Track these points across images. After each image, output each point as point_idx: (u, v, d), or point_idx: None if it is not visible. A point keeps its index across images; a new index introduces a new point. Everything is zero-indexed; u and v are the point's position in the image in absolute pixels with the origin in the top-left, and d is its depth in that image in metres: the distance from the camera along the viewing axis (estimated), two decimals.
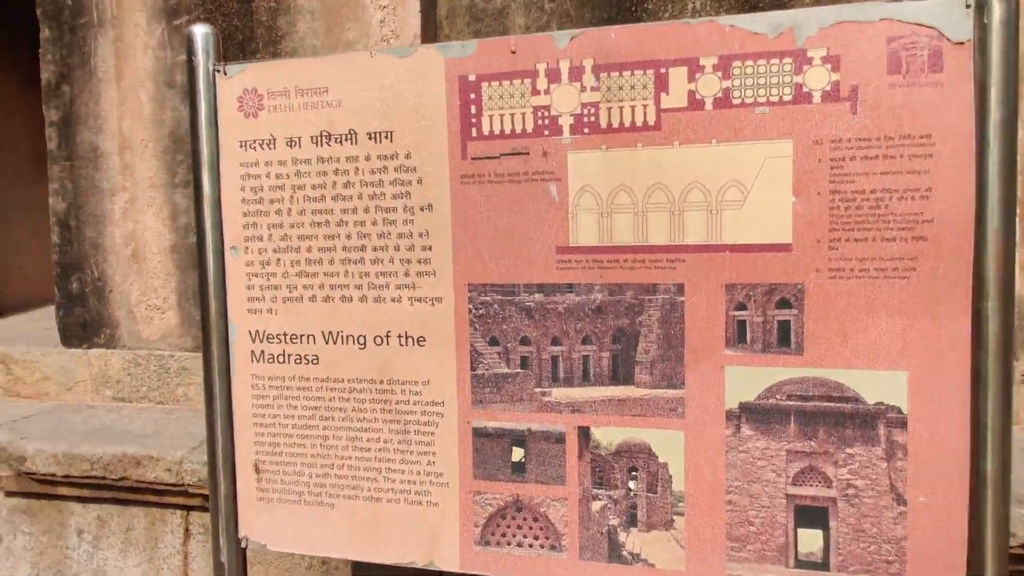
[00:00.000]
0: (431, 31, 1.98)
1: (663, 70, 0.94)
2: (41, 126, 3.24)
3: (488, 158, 1.02)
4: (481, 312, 1.04)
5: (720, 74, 0.92)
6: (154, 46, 2.10)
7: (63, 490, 1.88)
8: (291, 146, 1.11)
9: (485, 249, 1.03)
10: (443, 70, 1.03)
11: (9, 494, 1.98)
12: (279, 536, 1.15)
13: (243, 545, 1.18)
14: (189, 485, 1.71)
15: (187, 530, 1.86)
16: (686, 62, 0.93)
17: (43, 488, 1.90)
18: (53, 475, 1.82)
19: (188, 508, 1.83)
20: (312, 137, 1.10)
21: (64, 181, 2.19)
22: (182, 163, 2.08)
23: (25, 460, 1.83)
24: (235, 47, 2.02)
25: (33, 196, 3.16)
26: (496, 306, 1.03)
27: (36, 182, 3.18)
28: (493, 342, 1.04)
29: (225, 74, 1.14)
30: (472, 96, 1.02)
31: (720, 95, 0.93)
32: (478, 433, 1.05)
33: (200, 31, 1.14)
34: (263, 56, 1.99)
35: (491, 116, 1.01)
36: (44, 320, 2.85)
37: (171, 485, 1.73)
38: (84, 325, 2.20)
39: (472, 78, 1.02)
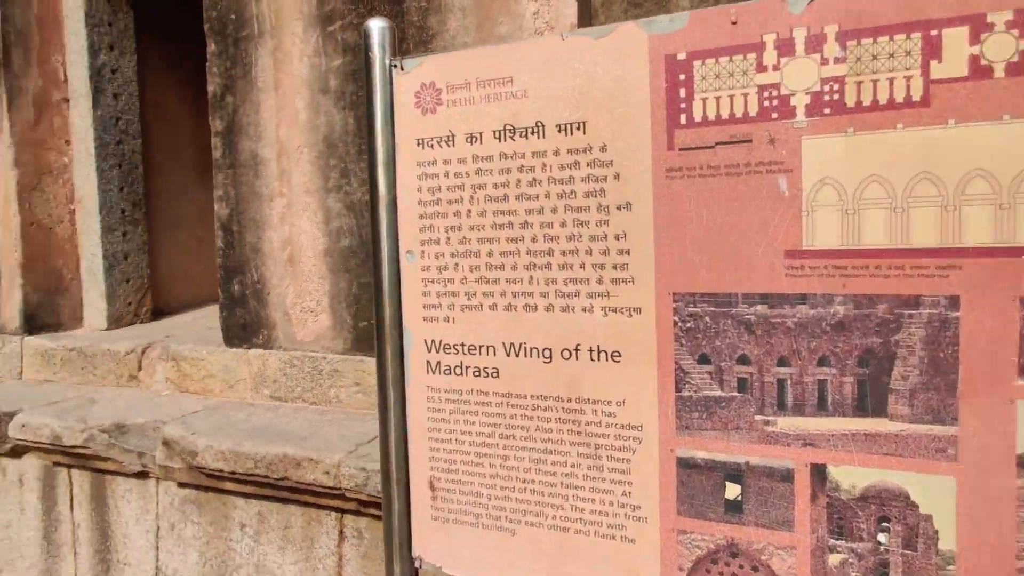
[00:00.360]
0: (586, 20, 1.86)
1: (934, 32, 0.76)
2: (203, 137, 3.47)
3: (700, 148, 0.88)
4: (689, 325, 0.90)
5: (1016, 32, 0.73)
6: (309, 54, 2.14)
7: (228, 485, 1.95)
8: (471, 142, 1.03)
9: (694, 253, 0.89)
10: (646, 49, 0.91)
11: (181, 484, 2.09)
12: (455, 559, 1.08)
13: (416, 565, 1.12)
14: (346, 489, 1.70)
15: (341, 532, 1.87)
16: (967, 20, 0.75)
17: (211, 482, 1.98)
18: (220, 471, 1.89)
19: (343, 511, 1.84)
20: (494, 132, 1.01)
21: (227, 188, 2.29)
22: (335, 168, 2.11)
23: (196, 455, 1.91)
24: None
25: (196, 203, 3.39)
26: (707, 319, 0.89)
27: (199, 190, 3.41)
28: (703, 360, 0.90)
29: (402, 69, 1.08)
30: (681, 77, 0.89)
31: (1016, 59, 0.74)
32: (684, 464, 0.92)
33: (376, 25, 1.09)
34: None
35: (704, 99, 0.88)
36: (205, 320, 3.03)
37: (329, 488, 1.73)
38: (244, 326, 2.29)
39: (681, 56, 0.89)
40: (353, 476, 1.68)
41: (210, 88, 2.30)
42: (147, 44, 3.05)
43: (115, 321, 2.90)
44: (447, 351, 1.06)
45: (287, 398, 2.21)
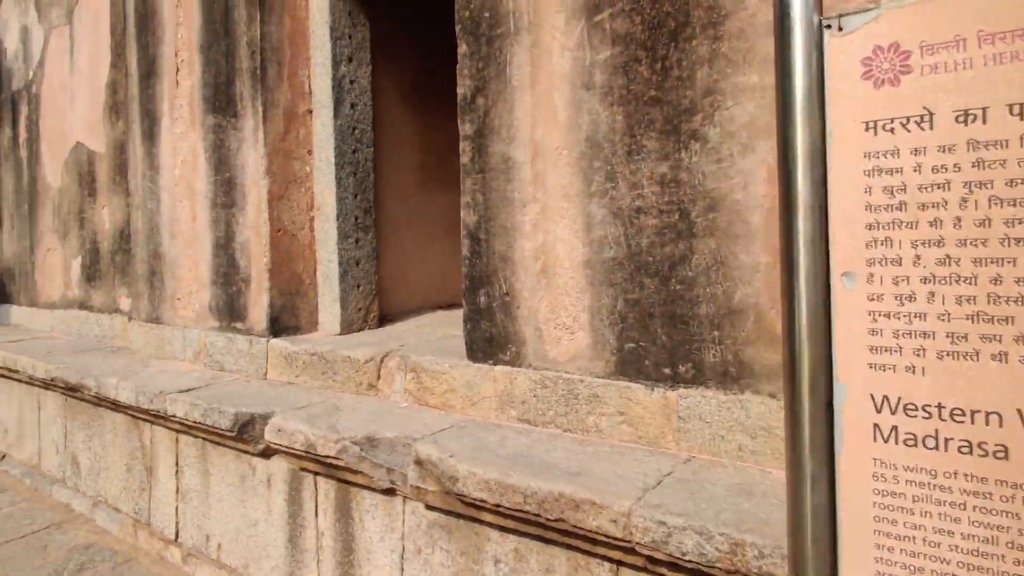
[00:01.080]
0: None
1: None
2: (424, 144, 3.48)
3: None
4: None
5: None
6: (571, 47, 1.95)
7: (487, 516, 1.80)
8: (965, 122, 0.73)
9: None
10: None
11: (430, 507, 1.98)
12: None
13: None
14: (637, 543, 1.46)
15: None
16: None
17: (466, 509, 1.84)
18: (482, 501, 1.74)
19: (621, 564, 1.60)
20: (1011, 107, 0.70)
21: (476, 194, 2.17)
22: (599, 171, 1.89)
23: (456, 480, 1.78)
24: (665, 36, 1.77)
25: (416, 209, 3.39)
26: None
27: (419, 196, 3.41)
28: None
29: (839, 29, 0.81)
30: None
31: None
32: None
33: None
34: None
35: None
36: (429, 328, 2.99)
37: (614, 538, 1.50)
38: (490, 340, 2.15)
39: None
40: (649, 530, 1.44)
41: (460, 90, 2.20)
42: (373, 55, 3.08)
43: (347, 326, 2.94)
44: (911, 413, 0.77)
45: (537, 422, 2.03)
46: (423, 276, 3.42)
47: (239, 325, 2.99)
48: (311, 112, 2.98)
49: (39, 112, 4.70)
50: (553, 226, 2.00)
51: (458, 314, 3.38)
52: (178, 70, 3.26)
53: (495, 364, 2.14)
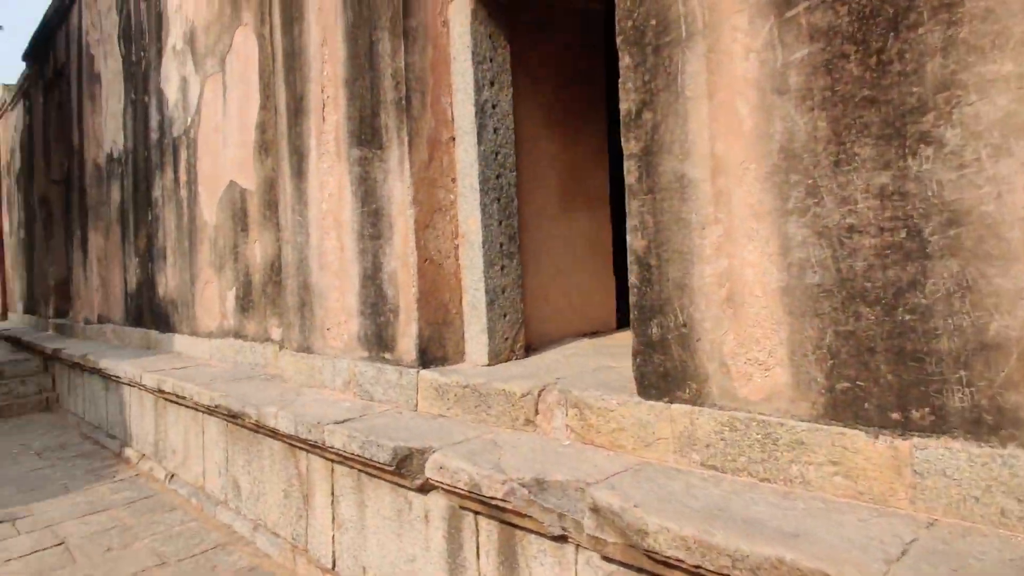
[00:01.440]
0: None
1: None
2: (563, 165, 3.37)
3: None
4: None
5: None
6: (757, 48, 1.75)
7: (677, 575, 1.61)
8: None
9: None
10: None
11: (607, 559, 1.82)
12: None
13: None
14: None
15: None
16: None
17: (654, 567, 1.66)
18: (678, 560, 1.55)
19: None
20: None
21: (644, 216, 2.00)
22: (797, 185, 1.67)
23: (645, 536, 1.60)
24: (881, 26, 1.53)
25: (557, 234, 3.27)
26: None
27: (560, 221, 3.29)
28: None
29: None
30: None
31: None
32: None
33: None
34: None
35: None
36: (578, 358, 2.84)
37: None
38: (665, 376, 1.97)
39: None
40: None
41: (623, 106, 2.06)
42: (514, 76, 3.00)
43: (494, 356, 2.85)
44: None
45: (725, 468, 1.82)
46: (565, 303, 3.29)
47: (387, 355, 2.99)
48: (453, 139, 2.95)
49: (196, 155, 5.08)
50: (739, 249, 1.79)
51: (606, 343, 3.22)
52: (324, 106, 3.36)
53: (671, 402, 1.95)
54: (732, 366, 1.82)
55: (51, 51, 8.51)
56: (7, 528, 3.74)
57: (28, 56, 9.37)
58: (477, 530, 2.23)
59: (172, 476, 4.33)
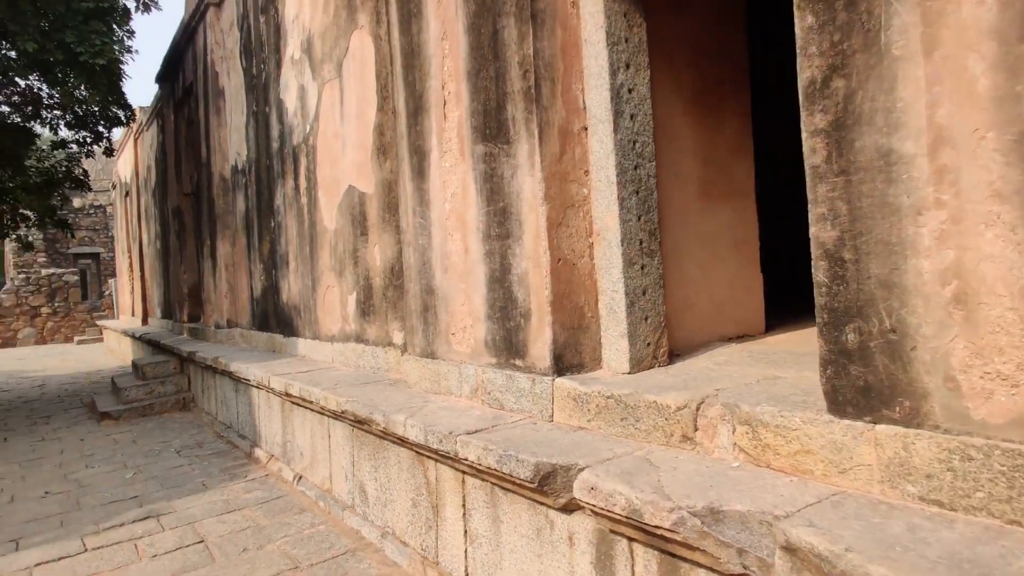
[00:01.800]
0: None
1: None
2: (704, 153, 3.07)
3: None
4: None
5: None
6: None
7: None
8: None
9: None
10: None
11: None
12: None
13: None
14: None
15: None
16: None
17: None
18: None
19: None
20: None
21: (834, 202, 1.70)
22: None
23: None
24: None
25: (698, 228, 2.99)
26: None
27: (701, 213, 3.00)
28: None
29: None
30: None
31: None
32: None
33: None
34: None
35: None
36: (733, 366, 2.55)
37: None
38: (866, 390, 1.66)
39: None
40: None
41: (805, 75, 1.76)
42: (651, 57, 2.74)
43: (636, 363, 2.61)
44: None
45: (956, 506, 1.49)
46: (708, 304, 2.99)
47: (518, 362, 2.82)
48: (586, 129, 2.74)
49: (315, 161, 5.17)
50: (972, 239, 1.46)
51: (759, 348, 2.90)
52: (445, 103, 3.25)
53: (875, 422, 1.64)
54: (963, 381, 1.48)
55: (180, 71, 9.11)
56: (153, 524, 3.91)
57: (160, 78, 10.11)
58: (632, 559, 2.00)
59: (300, 478, 4.41)
